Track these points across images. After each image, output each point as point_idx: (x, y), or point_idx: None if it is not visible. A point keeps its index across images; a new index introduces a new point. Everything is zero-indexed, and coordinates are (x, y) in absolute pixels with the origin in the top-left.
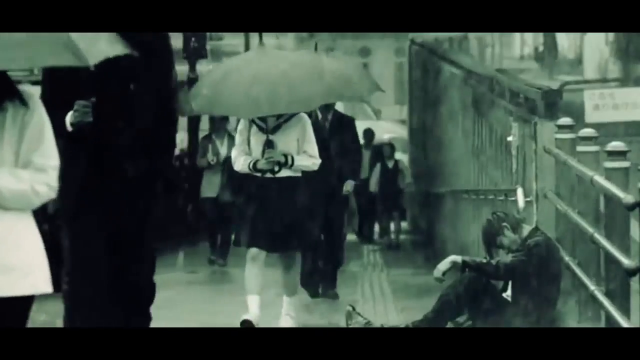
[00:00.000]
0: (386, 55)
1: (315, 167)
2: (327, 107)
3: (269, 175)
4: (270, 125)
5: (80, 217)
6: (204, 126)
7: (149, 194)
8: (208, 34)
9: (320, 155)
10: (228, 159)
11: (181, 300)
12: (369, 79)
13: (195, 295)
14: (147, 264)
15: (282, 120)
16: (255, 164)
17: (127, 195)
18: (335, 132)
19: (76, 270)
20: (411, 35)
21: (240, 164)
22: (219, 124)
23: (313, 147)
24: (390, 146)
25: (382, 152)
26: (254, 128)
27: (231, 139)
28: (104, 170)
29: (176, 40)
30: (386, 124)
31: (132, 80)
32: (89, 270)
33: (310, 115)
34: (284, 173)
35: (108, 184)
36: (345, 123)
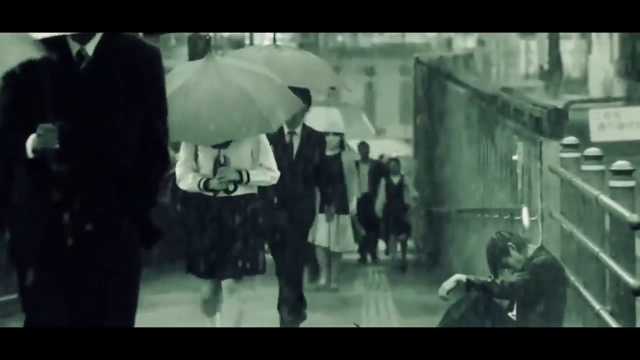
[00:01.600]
0: (391, 74)
1: (274, 181)
2: (294, 121)
3: (222, 194)
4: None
5: (37, 265)
6: None
7: (124, 242)
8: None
9: (292, 176)
10: (172, 175)
11: (189, 318)
12: (328, 72)
13: (199, 314)
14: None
15: None
16: (206, 183)
17: (95, 242)
18: (305, 149)
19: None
20: (416, 54)
21: (188, 182)
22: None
23: (270, 160)
24: (396, 162)
25: (388, 168)
26: None
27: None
28: (70, 210)
29: (181, 60)
30: (391, 143)
31: (110, 102)
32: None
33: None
34: (239, 190)
35: (74, 226)
36: (315, 139)
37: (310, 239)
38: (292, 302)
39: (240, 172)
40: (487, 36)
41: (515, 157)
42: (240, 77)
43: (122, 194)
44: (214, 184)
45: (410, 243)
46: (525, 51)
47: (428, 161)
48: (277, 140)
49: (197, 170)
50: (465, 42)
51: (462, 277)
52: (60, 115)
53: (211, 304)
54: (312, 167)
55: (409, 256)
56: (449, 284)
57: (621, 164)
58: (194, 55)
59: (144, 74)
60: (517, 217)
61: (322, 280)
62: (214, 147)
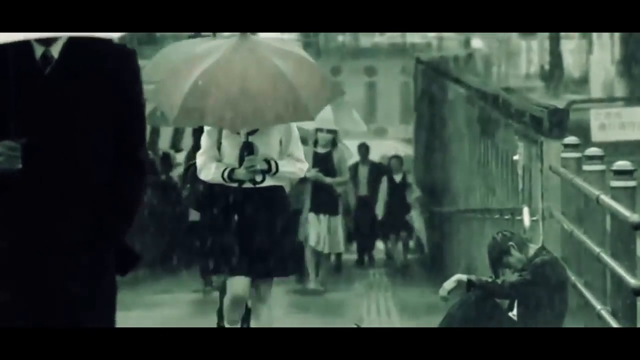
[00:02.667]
0: (392, 74)
1: (302, 174)
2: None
3: (247, 185)
4: None
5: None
6: None
7: (97, 272)
8: None
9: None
10: (191, 166)
11: (186, 320)
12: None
13: (198, 315)
14: None
15: None
16: (231, 172)
17: (65, 273)
18: None
19: None
20: (417, 54)
21: (211, 172)
22: None
23: (300, 150)
24: (398, 159)
25: (389, 166)
26: None
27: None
28: (35, 237)
29: None
30: (392, 143)
31: (80, 111)
32: None
33: None
34: (267, 181)
35: (39, 257)
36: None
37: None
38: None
39: (268, 162)
40: (488, 36)
41: (516, 157)
42: (277, 59)
43: (98, 216)
44: (240, 173)
45: (410, 243)
46: (526, 51)
47: (428, 161)
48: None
49: (220, 159)
50: (479, 41)
51: (462, 277)
52: (25, 128)
53: (237, 306)
54: None
55: (410, 256)
56: (449, 284)
57: (622, 164)
58: None
59: (118, 77)
60: (518, 217)
61: (312, 284)
62: (240, 133)
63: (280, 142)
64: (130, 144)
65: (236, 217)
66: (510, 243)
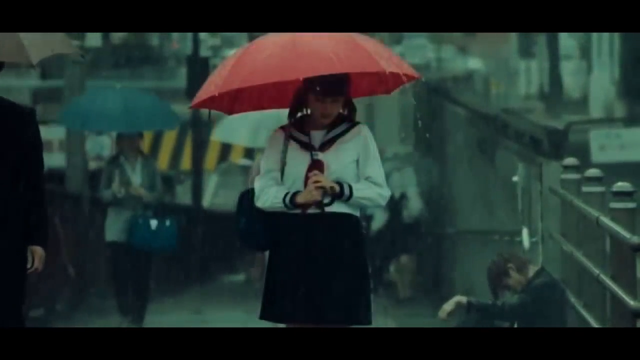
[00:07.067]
0: (391, 95)
1: (383, 201)
2: None
3: (313, 210)
4: (318, 139)
5: None
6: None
7: None
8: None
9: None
10: (246, 194)
11: None
12: None
13: None
14: None
15: (336, 133)
16: (294, 196)
17: None
18: None
19: None
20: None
21: (271, 198)
22: (129, 143)
23: (379, 172)
24: (399, 173)
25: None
26: (293, 145)
27: (147, 163)
28: None
29: (179, 80)
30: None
31: None
32: None
33: None
34: (338, 207)
35: None
36: (16, 118)
37: None
38: None
39: (341, 184)
40: (488, 57)
41: (515, 178)
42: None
43: None
44: (304, 195)
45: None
46: (525, 71)
47: (427, 182)
48: None
49: (282, 183)
50: (478, 62)
51: (462, 298)
52: None
53: None
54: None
55: (409, 278)
56: (449, 305)
57: (622, 185)
58: (192, 76)
59: None
60: (518, 239)
61: None
62: (308, 150)
63: (357, 162)
64: None
65: (299, 250)
66: (510, 265)
